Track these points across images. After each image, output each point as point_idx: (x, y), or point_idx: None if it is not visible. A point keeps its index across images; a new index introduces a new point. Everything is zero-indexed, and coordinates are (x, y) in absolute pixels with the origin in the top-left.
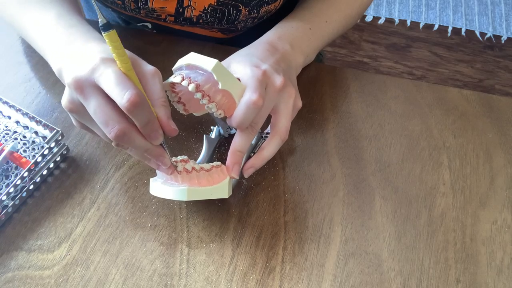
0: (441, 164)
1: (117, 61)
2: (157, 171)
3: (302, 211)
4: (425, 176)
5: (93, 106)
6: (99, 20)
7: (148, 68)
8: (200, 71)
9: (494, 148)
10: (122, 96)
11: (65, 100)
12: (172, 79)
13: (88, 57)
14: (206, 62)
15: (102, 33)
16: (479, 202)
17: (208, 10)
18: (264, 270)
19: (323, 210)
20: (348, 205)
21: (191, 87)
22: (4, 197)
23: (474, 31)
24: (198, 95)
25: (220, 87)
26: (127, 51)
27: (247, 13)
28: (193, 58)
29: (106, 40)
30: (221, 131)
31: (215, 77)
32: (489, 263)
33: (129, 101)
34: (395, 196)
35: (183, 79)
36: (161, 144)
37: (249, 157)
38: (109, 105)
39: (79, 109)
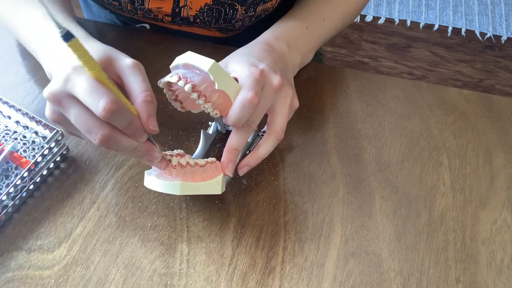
0: (441, 164)
1: (86, 69)
2: None
3: (302, 211)
4: (425, 176)
5: (73, 116)
6: (59, 30)
7: (126, 62)
8: (197, 71)
9: (494, 148)
10: (97, 106)
11: (47, 112)
12: (168, 78)
13: (62, 67)
14: (203, 62)
15: (64, 43)
16: (479, 202)
17: (205, 10)
18: (264, 270)
19: (323, 210)
20: (348, 205)
21: (187, 88)
22: (4, 197)
23: (474, 31)
24: (194, 95)
25: (216, 88)
26: (103, 48)
27: (243, 12)
28: (190, 57)
29: (70, 49)
30: (219, 127)
31: (212, 78)
32: (489, 263)
33: (104, 109)
34: (395, 196)
35: (179, 79)
36: (149, 139)
37: (244, 155)
38: (88, 113)
39: (62, 120)
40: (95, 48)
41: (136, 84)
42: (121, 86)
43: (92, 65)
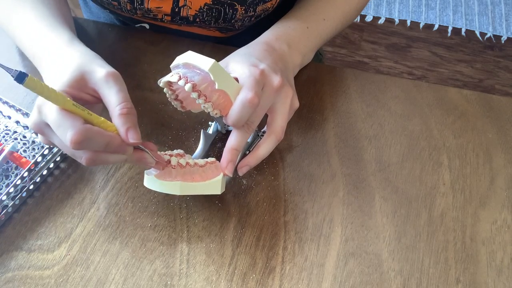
0: (441, 164)
1: (50, 102)
2: None
3: (302, 211)
4: (425, 176)
5: (57, 143)
6: (11, 74)
7: (100, 75)
8: (197, 71)
9: (494, 148)
10: (65, 139)
11: (40, 139)
12: (169, 78)
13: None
14: (203, 62)
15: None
16: (479, 202)
17: (204, 9)
18: (264, 270)
19: (323, 210)
20: (348, 205)
21: (187, 87)
22: (4, 197)
23: (474, 31)
24: (195, 95)
25: (216, 87)
26: (76, 60)
27: (243, 11)
28: (190, 57)
29: (27, 88)
30: (219, 127)
31: (212, 77)
32: (489, 263)
33: (72, 142)
34: (395, 196)
35: (179, 78)
36: (137, 148)
37: (244, 155)
38: None
39: (53, 145)
40: (70, 61)
41: (111, 96)
42: (101, 100)
43: (53, 98)
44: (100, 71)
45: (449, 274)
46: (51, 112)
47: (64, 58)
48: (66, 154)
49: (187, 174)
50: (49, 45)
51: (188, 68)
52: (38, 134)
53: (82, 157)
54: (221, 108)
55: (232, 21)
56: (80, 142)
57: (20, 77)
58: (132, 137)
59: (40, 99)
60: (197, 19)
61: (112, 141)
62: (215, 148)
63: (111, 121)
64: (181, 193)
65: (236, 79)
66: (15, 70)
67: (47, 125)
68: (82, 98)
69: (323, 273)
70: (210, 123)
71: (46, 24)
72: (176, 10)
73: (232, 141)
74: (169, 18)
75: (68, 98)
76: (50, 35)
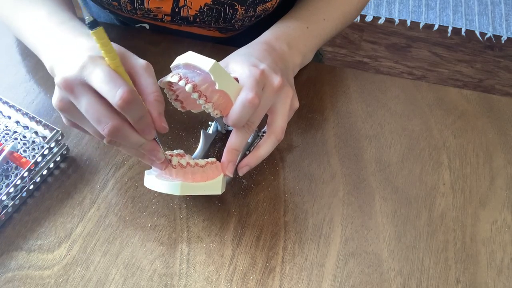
0: (441, 164)
1: (106, 58)
2: None
3: (302, 211)
4: (425, 176)
5: (84, 104)
6: (86, 18)
7: (140, 62)
8: (198, 71)
9: (494, 148)
10: (114, 94)
11: (55, 99)
12: (169, 78)
13: (76, 55)
14: (204, 62)
15: (90, 30)
16: (479, 202)
17: (204, 9)
18: (264, 270)
19: (323, 210)
20: (348, 205)
21: (188, 88)
22: (4, 197)
23: (474, 31)
24: (195, 95)
25: (217, 88)
26: (116, 46)
27: (243, 12)
28: (191, 57)
29: (94, 38)
30: (219, 127)
31: (212, 78)
32: (489, 263)
33: (121, 98)
34: (395, 196)
35: (180, 79)
36: (154, 139)
37: (244, 155)
38: (100, 102)
39: (70, 108)
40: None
41: (149, 83)
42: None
43: (113, 56)
44: (140, 59)
45: (449, 274)
46: (102, 69)
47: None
48: (66, 154)
49: (188, 174)
50: (67, 34)
51: (189, 68)
52: (57, 95)
53: (108, 123)
54: (222, 108)
55: (232, 21)
56: (130, 100)
57: (93, 24)
58: (164, 122)
59: (86, 57)
60: (197, 19)
61: (146, 116)
62: (215, 148)
63: None
64: (181, 193)
65: (236, 79)
66: (91, 16)
67: (82, 83)
68: None
69: (323, 273)
70: (210, 123)
71: (59, 17)
72: (176, 10)
73: (233, 141)
74: (169, 18)
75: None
76: (68, 25)
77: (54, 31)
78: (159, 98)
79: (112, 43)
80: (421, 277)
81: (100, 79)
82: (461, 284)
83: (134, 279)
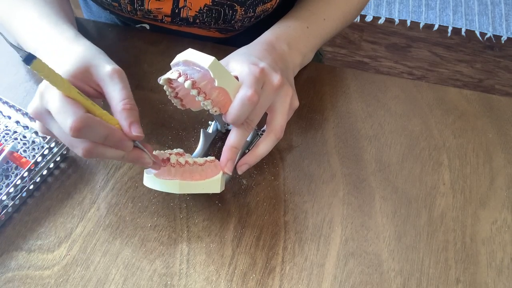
0: (441, 164)
1: (55, 87)
2: None
3: (302, 211)
4: (425, 176)
5: (55, 132)
6: (19, 54)
7: (105, 70)
8: (197, 68)
9: (494, 148)
10: (65, 125)
11: (37, 127)
12: (169, 75)
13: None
14: (203, 59)
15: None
16: (479, 202)
17: (204, 10)
18: (264, 270)
19: (323, 210)
20: (348, 205)
21: (187, 84)
22: (4, 197)
23: (474, 31)
24: (194, 92)
25: (216, 85)
26: (85, 51)
27: (243, 12)
28: (190, 54)
29: (34, 71)
30: (219, 127)
31: (212, 75)
32: (489, 263)
33: (71, 129)
34: (395, 196)
35: (179, 75)
36: (136, 146)
37: (243, 154)
38: None
39: (51, 134)
40: (76, 54)
41: (115, 92)
42: (102, 95)
43: (59, 83)
44: (106, 67)
45: (449, 274)
46: (54, 98)
47: (70, 51)
48: (66, 154)
49: (187, 172)
50: (54, 40)
51: (188, 65)
52: (36, 121)
53: (79, 147)
54: (221, 105)
55: (232, 22)
56: (80, 129)
57: (28, 59)
58: (136, 131)
59: (43, 85)
60: (197, 20)
61: (112, 134)
62: (215, 147)
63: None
64: (180, 191)
65: (236, 78)
66: (24, 51)
67: (48, 112)
68: (84, 90)
69: (323, 273)
70: (210, 122)
71: (49, 21)
72: (176, 11)
73: (232, 139)
74: (169, 19)
75: (73, 86)
76: (53, 32)
77: (46, 34)
78: (127, 106)
79: (85, 45)
80: (421, 277)
81: (54, 109)
82: (461, 284)
83: (134, 279)
